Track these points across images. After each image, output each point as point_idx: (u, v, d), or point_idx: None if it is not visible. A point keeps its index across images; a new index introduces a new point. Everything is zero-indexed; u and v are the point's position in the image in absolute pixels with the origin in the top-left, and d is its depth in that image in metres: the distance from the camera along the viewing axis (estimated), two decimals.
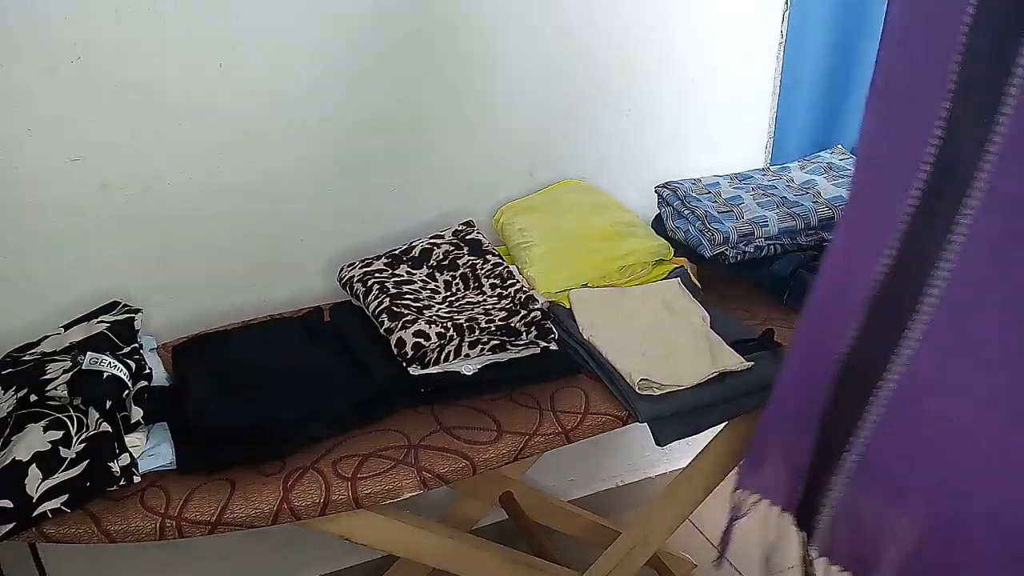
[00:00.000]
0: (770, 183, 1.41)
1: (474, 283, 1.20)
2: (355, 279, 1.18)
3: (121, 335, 1.03)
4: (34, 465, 0.82)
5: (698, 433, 1.05)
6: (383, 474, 0.92)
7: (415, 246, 1.25)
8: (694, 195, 1.37)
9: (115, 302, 1.13)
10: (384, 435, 0.99)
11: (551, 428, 1.00)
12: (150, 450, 0.92)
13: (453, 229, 1.30)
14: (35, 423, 0.86)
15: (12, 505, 0.80)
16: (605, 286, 1.25)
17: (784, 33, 1.62)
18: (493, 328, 1.06)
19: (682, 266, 1.30)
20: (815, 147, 1.71)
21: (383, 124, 1.33)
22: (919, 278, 0.76)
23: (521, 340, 1.06)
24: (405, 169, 1.38)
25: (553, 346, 1.09)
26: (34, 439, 0.85)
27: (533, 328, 1.07)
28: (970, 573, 0.80)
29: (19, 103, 1.09)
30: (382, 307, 1.09)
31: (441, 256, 1.24)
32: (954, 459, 0.79)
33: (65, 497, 0.83)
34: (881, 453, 0.84)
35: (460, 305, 1.14)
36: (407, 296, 1.13)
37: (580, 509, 1.68)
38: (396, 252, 1.25)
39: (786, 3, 1.59)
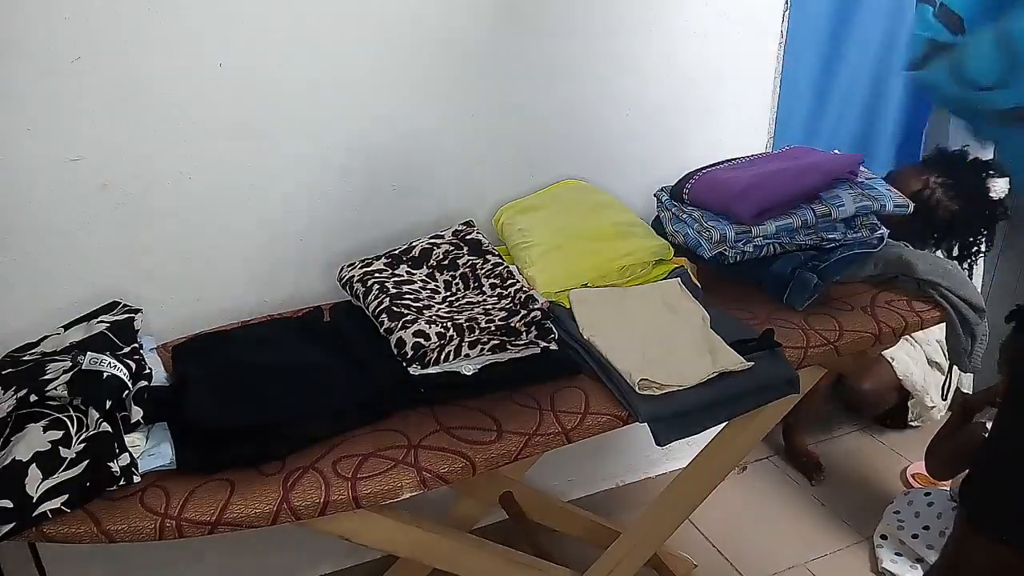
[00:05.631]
0: None
1: (474, 283, 1.20)
2: (355, 279, 1.18)
3: (121, 335, 1.03)
4: (34, 465, 0.82)
5: (698, 433, 1.05)
6: (383, 474, 0.92)
7: (415, 246, 1.25)
8: None
9: (115, 302, 1.13)
10: (384, 435, 0.98)
11: (551, 428, 1.00)
12: (150, 450, 0.92)
13: (453, 229, 1.30)
14: (35, 423, 0.86)
15: (12, 505, 0.80)
16: (605, 286, 1.25)
17: (784, 33, 1.62)
18: (493, 328, 1.06)
19: (682, 266, 1.30)
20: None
21: (383, 124, 1.33)
22: None
23: (521, 340, 1.06)
24: (405, 169, 1.38)
25: (553, 346, 1.09)
26: (34, 439, 0.85)
27: (533, 328, 1.07)
28: None
29: (19, 103, 1.09)
30: (382, 307, 1.09)
31: (441, 256, 1.24)
32: None
33: (65, 497, 0.83)
34: None
35: (460, 305, 1.14)
36: (407, 296, 1.13)
37: (580, 509, 1.68)
38: (396, 252, 1.25)
39: (786, 3, 1.60)
